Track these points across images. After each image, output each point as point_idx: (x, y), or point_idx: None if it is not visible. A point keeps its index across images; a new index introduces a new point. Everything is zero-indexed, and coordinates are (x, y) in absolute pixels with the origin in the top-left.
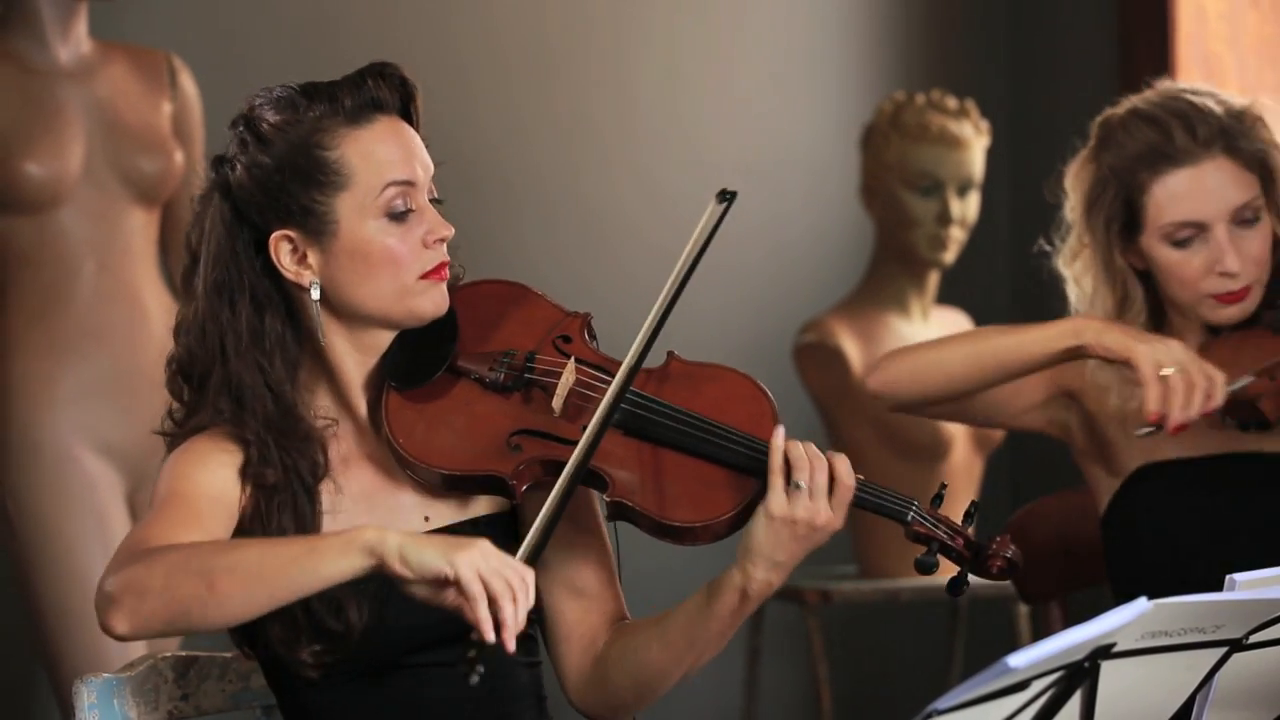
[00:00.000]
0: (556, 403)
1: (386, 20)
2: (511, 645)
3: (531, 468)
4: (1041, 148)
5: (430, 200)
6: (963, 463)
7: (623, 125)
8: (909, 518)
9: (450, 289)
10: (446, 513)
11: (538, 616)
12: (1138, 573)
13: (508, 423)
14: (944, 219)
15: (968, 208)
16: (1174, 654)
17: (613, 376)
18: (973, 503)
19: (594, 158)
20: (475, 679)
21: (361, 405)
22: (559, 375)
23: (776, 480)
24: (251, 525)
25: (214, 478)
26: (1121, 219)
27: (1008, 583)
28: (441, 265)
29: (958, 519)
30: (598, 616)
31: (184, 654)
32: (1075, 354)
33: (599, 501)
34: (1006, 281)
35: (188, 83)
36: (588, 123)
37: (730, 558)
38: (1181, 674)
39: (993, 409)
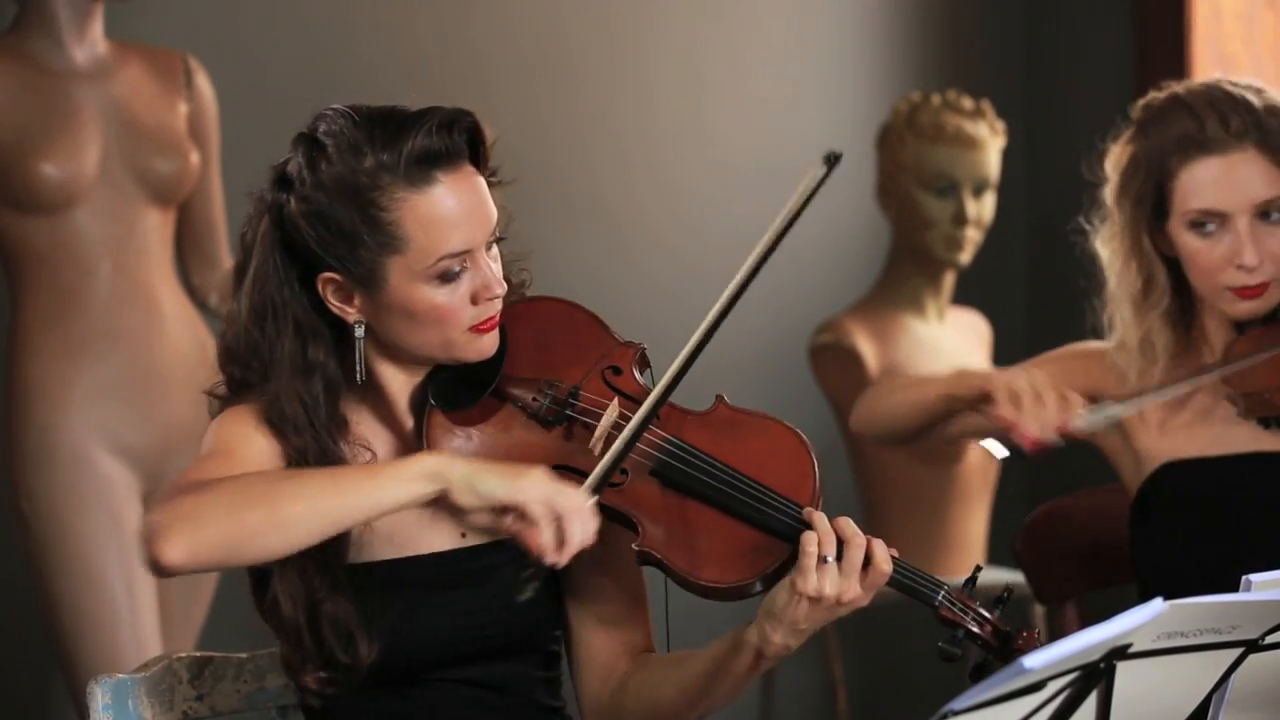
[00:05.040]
0: (595, 442)
1: (405, 22)
2: (564, 561)
3: None
4: (1057, 148)
5: (494, 240)
6: (978, 463)
7: (641, 126)
8: (937, 601)
9: (512, 299)
10: (483, 531)
11: (561, 635)
12: (1159, 571)
13: (546, 456)
14: (960, 219)
15: (983, 208)
16: (1190, 655)
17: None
18: (1006, 588)
19: (613, 159)
20: (529, 594)
21: (407, 420)
22: (601, 413)
23: (808, 562)
24: None
25: (262, 447)
26: (1151, 202)
27: (1024, 583)
28: (491, 319)
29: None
30: (620, 646)
31: (199, 654)
32: (953, 404)
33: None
34: (1022, 282)
35: (204, 83)
36: (606, 124)
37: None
38: (1197, 675)
39: None
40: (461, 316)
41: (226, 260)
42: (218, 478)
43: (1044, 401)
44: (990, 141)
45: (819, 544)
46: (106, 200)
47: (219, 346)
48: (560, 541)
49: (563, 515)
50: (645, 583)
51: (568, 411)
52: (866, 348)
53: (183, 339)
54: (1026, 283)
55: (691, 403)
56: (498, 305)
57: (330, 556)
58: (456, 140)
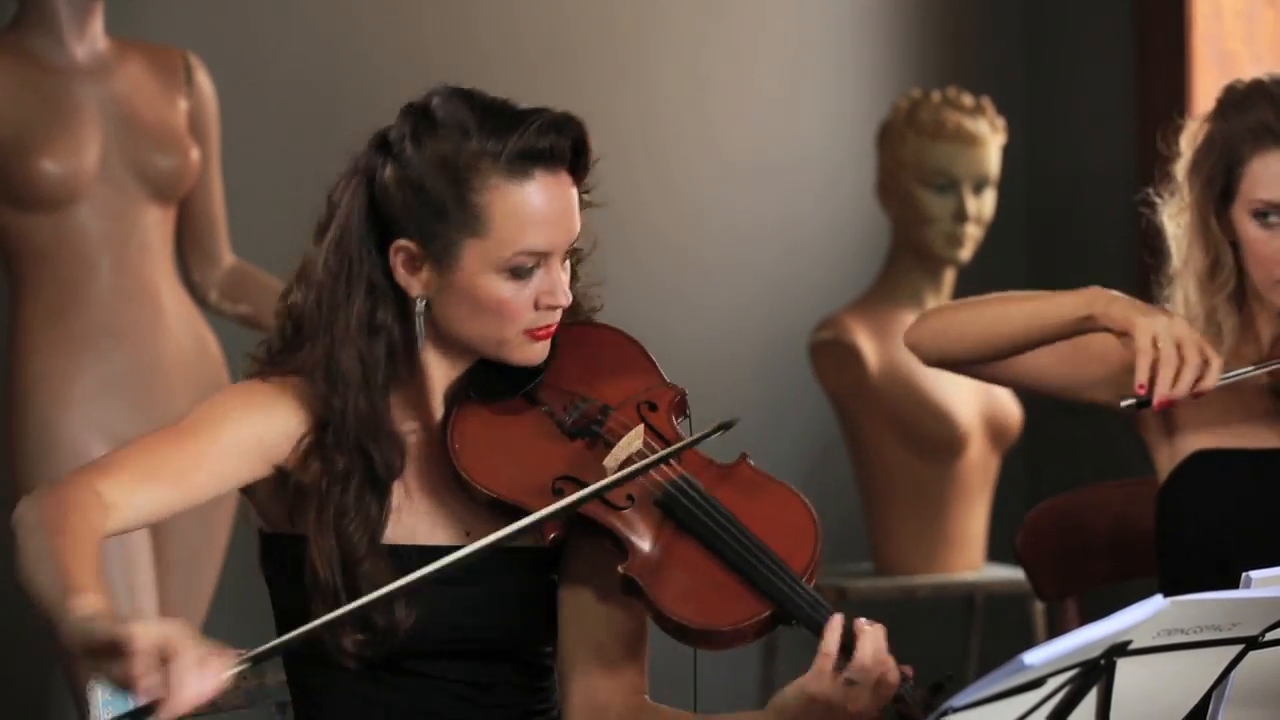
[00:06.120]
0: (610, 461)
1: (407, 18)
2: (169, 715)
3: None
4: (1057, 145)
5: (570, 254)
6: (979, 460)
7: (643, 124)
8: (898, 694)
9: (577, 319)
10: (488, 531)
11: (551, 652)
12: (1180, 561)
13: (559, 465)
14: (960, 216)
15: (984, 205)
16: (1190, 652)
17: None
18: (948, 675)
19: (615, 157)
20: None
21: (438, 410)
22: (624, 436)
23: (825, 663)
24: (306, 507)
25: (263, 426)
26: (1220, 185)
27: (1024, 580)
28: (548, 327)
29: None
30: (616, 683)
31: None
32: (1088, 324)
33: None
34: (1022, 279)
35: (204, 80)
36: (608, 122)
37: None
38: (1197, 672)
39: (1061, 380)
40: (521, 316)
41: (227, 257)
42: (82, 505)
43: (1186, 358)
44: (990, 138)
45: (857, 666)
46: (107, 197)
47: (280, 305)
48: (167, 688)
49: (172, 659)
50: (647, 627)
51: (593, 428)
52: (867, 345)
53: (183, 336)
54: (1026, 280)
55: (715, 450)
56: (557, 315)
57: (372, 520)
58: (561, 144)
